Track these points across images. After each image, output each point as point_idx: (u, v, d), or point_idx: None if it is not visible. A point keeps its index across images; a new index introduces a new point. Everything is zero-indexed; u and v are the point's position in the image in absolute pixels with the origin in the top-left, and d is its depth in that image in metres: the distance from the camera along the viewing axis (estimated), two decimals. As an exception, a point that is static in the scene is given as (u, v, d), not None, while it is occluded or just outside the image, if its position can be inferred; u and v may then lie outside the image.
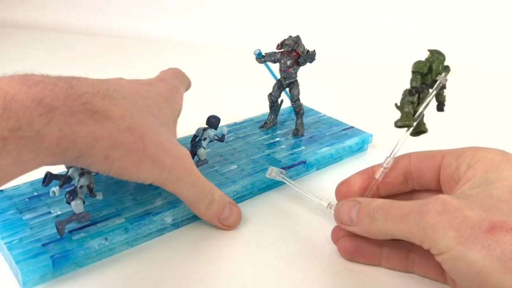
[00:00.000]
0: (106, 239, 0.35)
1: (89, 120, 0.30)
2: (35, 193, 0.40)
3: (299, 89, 0.51)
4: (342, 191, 0.38)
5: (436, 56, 0.36)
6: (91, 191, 0.35)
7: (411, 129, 0.36)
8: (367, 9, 0.99)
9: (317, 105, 0.60)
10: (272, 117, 0.54)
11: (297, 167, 0.47)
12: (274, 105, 0.53)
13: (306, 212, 0.42)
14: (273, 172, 0.43)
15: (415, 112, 0.36)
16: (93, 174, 0.36)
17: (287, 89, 0.52)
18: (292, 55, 0.50)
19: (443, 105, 0.37)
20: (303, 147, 0.50)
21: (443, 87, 0.36)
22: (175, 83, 0.42)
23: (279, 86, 0.52)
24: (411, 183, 0.37)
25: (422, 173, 0.35)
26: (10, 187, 0.40)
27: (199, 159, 0.44)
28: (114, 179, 0.42)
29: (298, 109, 0.52)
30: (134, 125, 0.32)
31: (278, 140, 0.52)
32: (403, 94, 0.36)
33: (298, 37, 0.49)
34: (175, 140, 0.39)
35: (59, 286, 0.34)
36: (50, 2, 1.15)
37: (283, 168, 0.45)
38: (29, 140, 0.27)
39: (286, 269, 0.35)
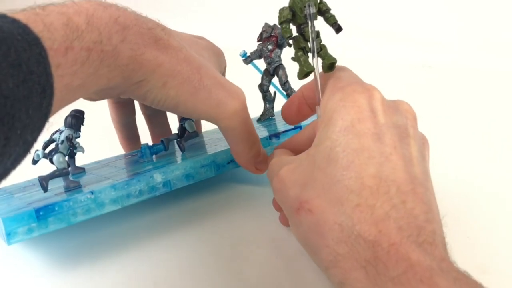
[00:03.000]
0: (91, 192, 0.35)
1: (154, 44, 0.32)
2: (31, 184, 0.40)
3: (285, 71, 0.52)
4: (285, 117, 0.38)
5: None
6: (70, 142, 0.35)
7: (319, 69, 0.34)
8: (366, 10, 1.01)
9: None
10: (267, 106, 0.54)
11: (295, 132, 0.46)
12: (266, 94, 0.54)
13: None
14: None
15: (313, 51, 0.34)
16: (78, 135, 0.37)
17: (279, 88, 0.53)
18: (272, 40, 0.51)
19: (338, 25, 0.35)
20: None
21: (326, 11, 0.34)
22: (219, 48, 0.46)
23: (267, 74, 0.53)
24: None
25: None
26: (9, 185, 0.41)
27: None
28: (105, 164, 0.43)
29: (289, 92, 0.52)
30: (190, 58, 0.34)
31: (274, 124, 0.51)
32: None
33: (274, 24, 0.51)
34: None
35: (58, 285, 0.33)
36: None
37: (276, 134, 0.44)
38: (108, 54, 0.29)
39: (286, 269, 0.34)
